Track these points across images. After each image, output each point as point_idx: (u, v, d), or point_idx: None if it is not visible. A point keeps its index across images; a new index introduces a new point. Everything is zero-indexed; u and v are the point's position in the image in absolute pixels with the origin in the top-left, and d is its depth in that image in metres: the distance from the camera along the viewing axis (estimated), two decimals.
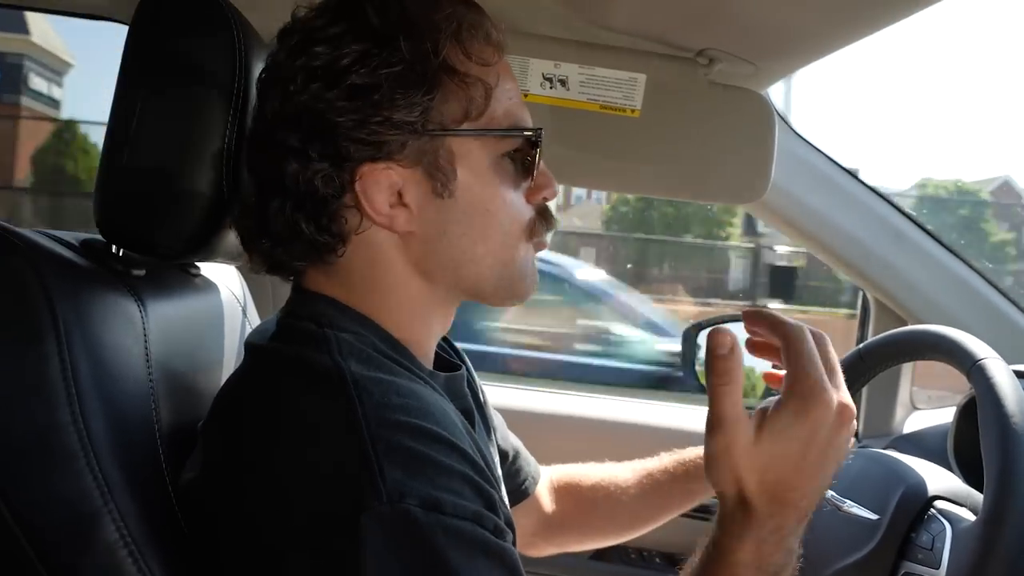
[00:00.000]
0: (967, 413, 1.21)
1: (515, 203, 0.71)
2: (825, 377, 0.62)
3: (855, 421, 0.63)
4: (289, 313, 0.71)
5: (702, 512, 1.39)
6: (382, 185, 0.66)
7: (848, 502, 0.92)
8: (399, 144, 0.65)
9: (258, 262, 0.72)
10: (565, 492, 1.05)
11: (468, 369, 0.87)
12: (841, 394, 0.62)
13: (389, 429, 0.58)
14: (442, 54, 0.66)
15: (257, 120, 0.70)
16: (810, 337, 0.63)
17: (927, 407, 1.50)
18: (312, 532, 0.56)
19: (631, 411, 1.50)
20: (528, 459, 1.01)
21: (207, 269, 0.90)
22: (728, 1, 0.92)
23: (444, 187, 0.67)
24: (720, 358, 0.62)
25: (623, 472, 1.05)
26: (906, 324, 1.40)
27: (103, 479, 0.58)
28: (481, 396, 0.90)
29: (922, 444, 1.33)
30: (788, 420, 0.61)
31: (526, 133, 0.71)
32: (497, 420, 0.97)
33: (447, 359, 0.81)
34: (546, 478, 1.05)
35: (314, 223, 0.66)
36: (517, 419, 1.41)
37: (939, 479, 0.89)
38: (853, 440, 0.71)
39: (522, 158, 0.71)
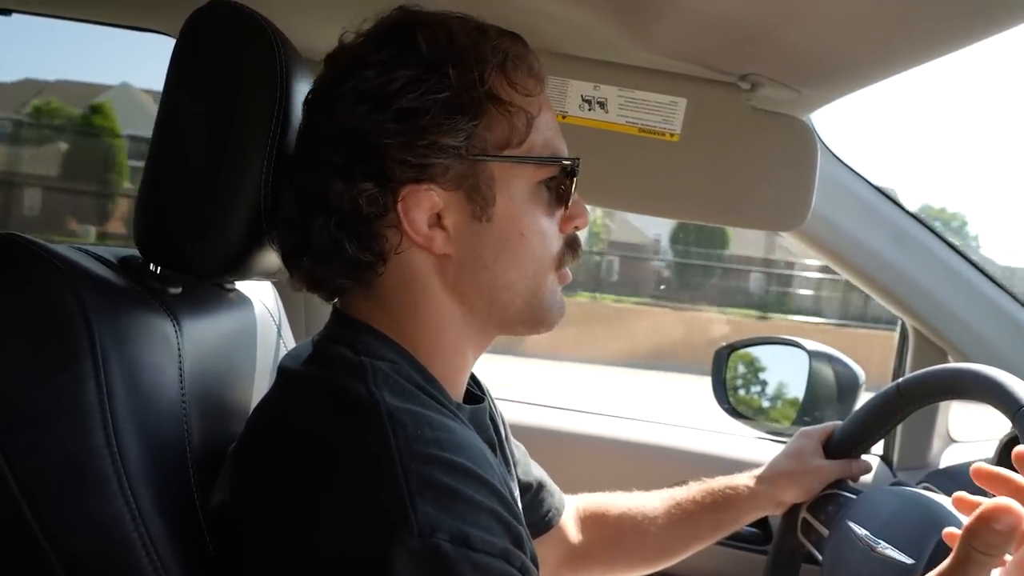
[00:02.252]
0: (1009, 450, 1.18)
1: (548, 231, 0.73)
2: (991, 559, 0.60)
3: None
4: (325, 338, 0.72)
5: (731, 542, 1.38)
6: (423, 206, 0.67)
7: (882, 543, 0.90)
8: (443, 167, 0.67)
9: (298, 279, 0.72)
10: (591, 522, 1.04)
11: (491, 401, 0.87)
12: None
13: (421, 462, 0.58)
14: (488, 83, 0.68)
15: (303, 139, 0.71)
16: (1005, 518, 0.59)
17: (966, 440, 1.46)
18: (341, 563, 0.56)
19: (660, 434, 1.48)
20: (552, 490, 1.00)
21: (242, 284, 0.90)
22: (774, 27, 0.90)
23: (483, 211, 0.69)
24: (993, 531, 0.59)
25: (651, 501, 1.03)
26: (946, 356, 1.37)
27: (135, 503, 0.59)
28: (503, 430, 0.90)
29: (960, 480, 1.29)
30: None
31: (564, 162, 0.72)
32: (519, 453, 0.96)
33: (471, 391, 0.81)
34: (572, 508, 1.04)
35: (356, 241, 0.67)
36: (542, 439, 1.41)
37: None
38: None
39: (558, 187, 0.72)
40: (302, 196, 0.70)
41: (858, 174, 1.31)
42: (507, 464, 0.87)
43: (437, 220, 0.68)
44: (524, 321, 0.74)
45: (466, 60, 0.67)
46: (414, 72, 0.66)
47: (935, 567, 0.83)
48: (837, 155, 1.28)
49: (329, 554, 0.56)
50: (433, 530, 0.55)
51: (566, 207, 0.73)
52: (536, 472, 0.99)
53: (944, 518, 0.88)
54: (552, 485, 1.01)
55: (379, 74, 0.66)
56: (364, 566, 0.55)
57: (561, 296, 0.76)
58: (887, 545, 0.89)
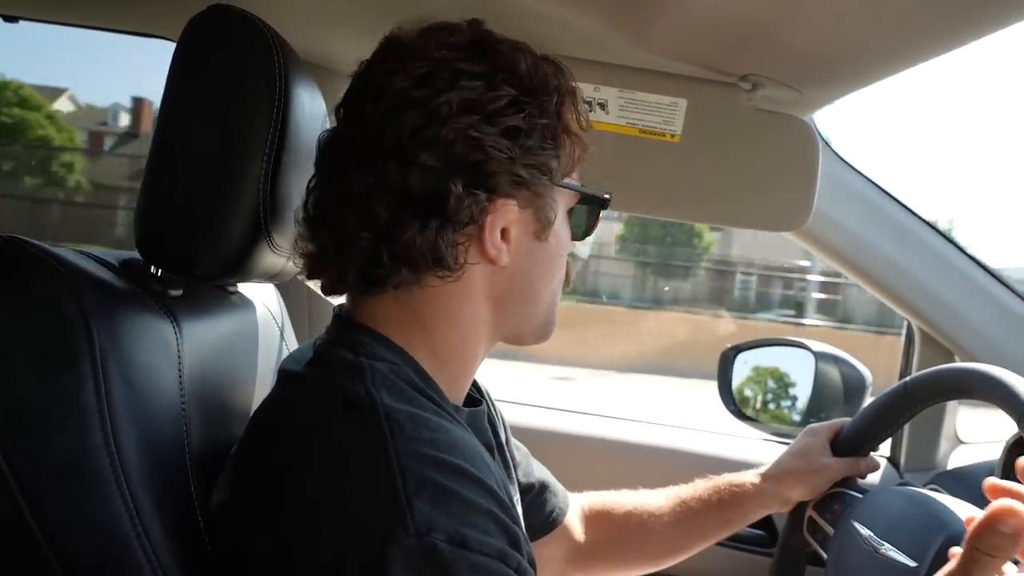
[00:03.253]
0: (1016, 452, 1.17)
1: (568, 251, 0.78)
2: (994, 561, 0.61)
3: None
4: (326, 340, 0.72)
5: (735, 544, 1.37)
6: (503, 220, 0.70)
7: (886, 545, 0.89)
8: (536, 187, 0.70)
9: (335, 281, 0.71)
10: (597, 520, 1.04)
11: (490, 404, 0.87)
12: None
13: (419, 463, 0.58)
14: (563, 115, 0.72)
15: (377, 135, 0.67)
16: (1011, 520, 0.60)
17: (974, 441, 1.45)
18: (339, 563, 0.56)
19: (665, 436, 1.48)
20: (556, 490, 1.00)
21: (245, 287, 0.91)
22: (774, 27, 0.90)
23: (543, 231, 0.73)
24: (998, 533, 0.60)
25: (656, 500, 1.03)
26: (952, 356, 1.36)
27: (132, 503, 0.59)
28: (503, 433, 0.90)
29: (967, 481, 1.29)
30: None
31: (605, 196, 0.79)
32: (520, 454, 0.96)
33: (469, 394, 0.81)
34: (577, 506, 1.04)
35: (450, 245, 0.67)
36: (547, 440, 1.41)
37: None
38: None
39: (589, 212, 0.79)
40: (384, 192, 0.66)
41: (861, 173, 1.30)
42: (507, 467, 0.87)
43: (503, 234, 0.70)
44: (533, 332, 0.78)
45: (552, 90, 0.71)
46: (516, 93, 0.68)
47: (937, 570, 0.83)
48: (840, 154, 1.28)
49: (327, 554, 0.56)
50: (430, 530, 0.55)
51: (589, 231, 0.80)
52: (538, 473, 0.99)
53: (948, 521, 0.87)
54: (556, 485, 1.01)
55: (485, 88, 0.67)
56: (361, 566, 0.55)
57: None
58: (891, 547, 0.89)
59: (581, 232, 0.79)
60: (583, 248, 0.86)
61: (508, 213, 0.69)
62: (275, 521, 0.60)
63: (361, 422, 0.61)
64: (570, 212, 0.77)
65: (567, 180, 0.75)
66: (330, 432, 0.62)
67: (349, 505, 0.57)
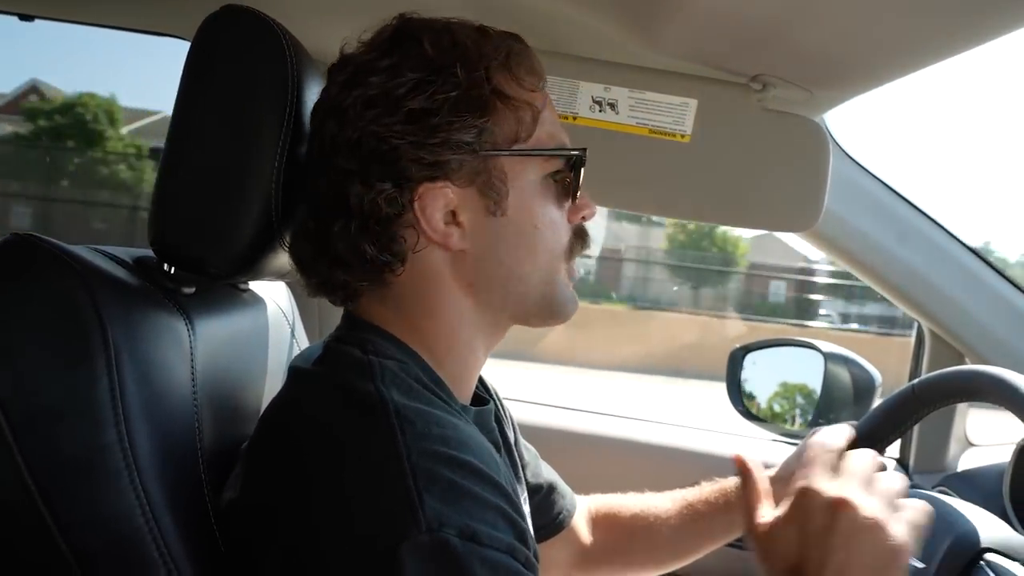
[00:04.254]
0: None
1: (558, 222, 0.74)
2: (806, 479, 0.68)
3: (857, 504, 0.65)
4: (336, 339, 0.73)
5: (742, 543, 1.37)
6: (439, 203, 0.69)
7: None
8: (457, 163, 0.69)
9: (315, 286, 0.74)
10: (603, 523, 1.04)
11: (499, 404, 0.88)
12: (838, 488, 0.66)
13: (429, 459, 0.59)
14: (493, 80, 0.70)
15: (314, 148, 0.72)
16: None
17: (983, 444, 1.45)
18: (352, 558, 0.56)
19: (673, 436, 1.48)
20: (564, 492, 1.00)
21: (256, 285, 0.91)
22: (785, 27, 0.90)
23: (497, 205, 0.70)
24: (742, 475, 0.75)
25: (663, 502, 1.03)
26: (963, 358, 1.36)
27: (146, 499, 0.60)
28: (511, 433, 0.90)
29: (977, 483, 1.28)
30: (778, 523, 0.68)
31: (573, 153, 0.74)
32: (529, 455, 0.97)
33: (477, 393, 0.82)
34: (583, 509, 1.04)
35: (376, 243, 0.68)
36: (554, 439, 1.41)
37: (991, 529, 0.86)
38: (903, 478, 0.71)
39: (564, 179, 0.74)
40: (318, 203, 0.71)
41: (872, 174, 1.30)
42: (515, 466, 0.88)
43: (452, 217, 0.70)
44: (538, 313, 0.75)
45: (471, 59, 0.69)
46: (421, 74, 0.68)
47: (946, 572, 0.82)
48: (851, 155, 1.28)
49: (339, 550, 0.57)
50: (441, 525, 0.55)
51: (574, 198, 0.75)
52: (547, 474, 0.99)
53: (956, 523, 0.87)
54: (564, 487, 1.01)
55: (386, 79, 0.68)
56: (374, 561, 0.55)
57: (573, 290, 0.77)
58: None
59: (567, 197, 0.75)
60: (594, 244, 0.83)
61: (439, 196, 0.68)
62: (285, 519, 0.61)
63: (371, 420, 0.61)
64: (555, 176, 0.73)
65: (518, 146, 0.71)
66: (340, 430, 0.62)
67: (361, 502, 0.58)
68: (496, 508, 0.60)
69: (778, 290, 15.71)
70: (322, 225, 0.70)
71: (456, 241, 0.70)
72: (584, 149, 0.75)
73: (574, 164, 0.74)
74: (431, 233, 0.69)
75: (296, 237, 0.74)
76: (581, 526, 1.02)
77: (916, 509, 0.67)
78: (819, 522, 0.65)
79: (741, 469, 0.76)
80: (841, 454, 0.72)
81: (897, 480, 0.69)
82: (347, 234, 0.68)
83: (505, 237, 0.71)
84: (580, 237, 0.77)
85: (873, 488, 0.67)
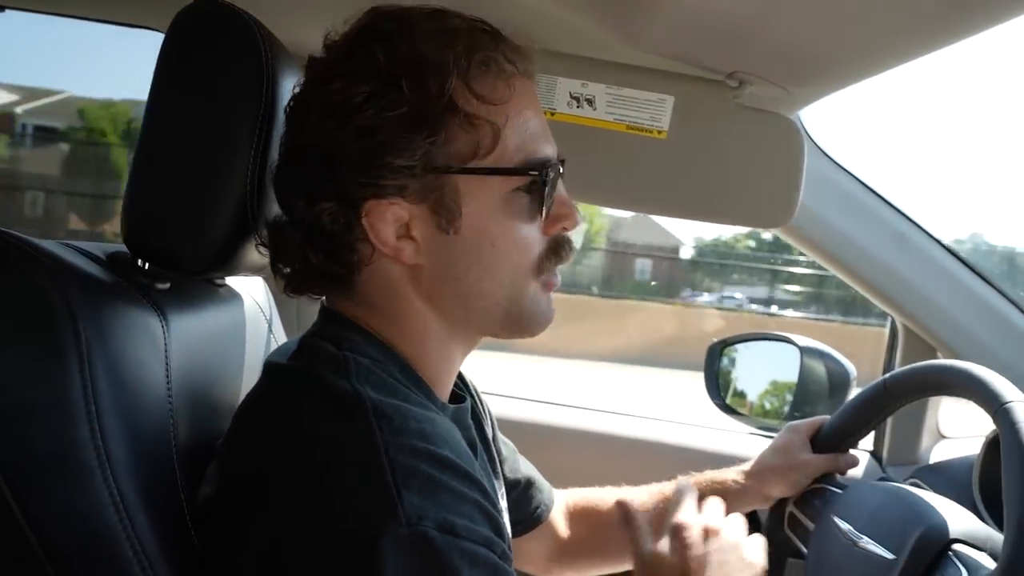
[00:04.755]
0: (994, 447, 1.18)
1: (527, 238, 0.70)
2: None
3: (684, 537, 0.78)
4: (312, 333, 0.72)
5: None
6: (388, 219, 0.67)
7: (865, 538, 0.90)
8: (398, 187, 0.66)
9: (281, 284, 0.73)
10: (581, 517, 1.05)
11: (477, 400, 0.88)
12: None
13: (406, 455, 0.59)
14: (447, 94, 0.65)
15: (281, 149, 0.71)
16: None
17: (955, 436, 1.47)
18: (332, 554, 0.57)
19: (651, 429, 1.49)
20: (541, 486, 1.01)
21: (233, 280, 0.91)
22: (761, 25, 0.91)
23: (449, 224, 0.68)
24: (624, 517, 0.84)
25: (639, 496, 1.04)
26: (936, 352, 1.38)
27: (119, 496, 0.59)
28: (488, 429, 0.90)
29: (948, 475, 1.31)
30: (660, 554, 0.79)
31: (531, 173, 0.69)
32: (507, 450, 0.97)
33: (454, 390, 0.82)
34: (561, 503, 1.05)
35: (323, 254, 0.68)
36: (532, 433, 1.42)
37: (960, 520, 0.87)
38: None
39: (534, 192, 0.70)
40: (279, 206, 0.71)
41: (847, 171, 1.31)
42: (492, 462, 0.88)
43: (406, 231, 0.68)
44: (505, 328, 0.73)
45: (424, 71, 0.65)
46: (372, 87, 0.65)
47: (915, 563, 0.84)
48: (826, 152, 1.29)
49: (319, 547, 0.57)
50: (420, 519, 0.56)
51: (543, 214, 0.70)
52: (525, 468, 0.99)
53: (926, 515, 0.89)
54: (541, 481, 1.01)
55: (343, 87, 0.65)
56: (354, 556, 0.56)
57: (547, 302, 0.74)
58: (869, 540, 0.90)
59: (534, 208, 0.70)
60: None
61: (388, 213, 0.66)
62: (264, 515, 0.61)
63: (348, 416, 0.61)
64: (526, 190, 0.69)
65: (475, 163, 0.67)
66: (316, 425, 0.62)
67: (339, 497, 0.58)
68: (473, 502, 0.60)
69: (644, 267, 15.84)
70: (275, 229, 0.70)
71: (409, 255, 0.68)
72: (561, 161, 0.71)
73: (542, 179, 0.69)
74: (381, 247, 0.67)
75: (266, 234, 0.73)
76: (559, 520, 1.03)
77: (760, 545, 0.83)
78: (696, 551, 0.76)
79: (623, 511, 0.84)
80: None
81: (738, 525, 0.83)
82: (294, 243, 0.68)
83: (460, 254, 0.68)
84: (556, 249, 0.73)
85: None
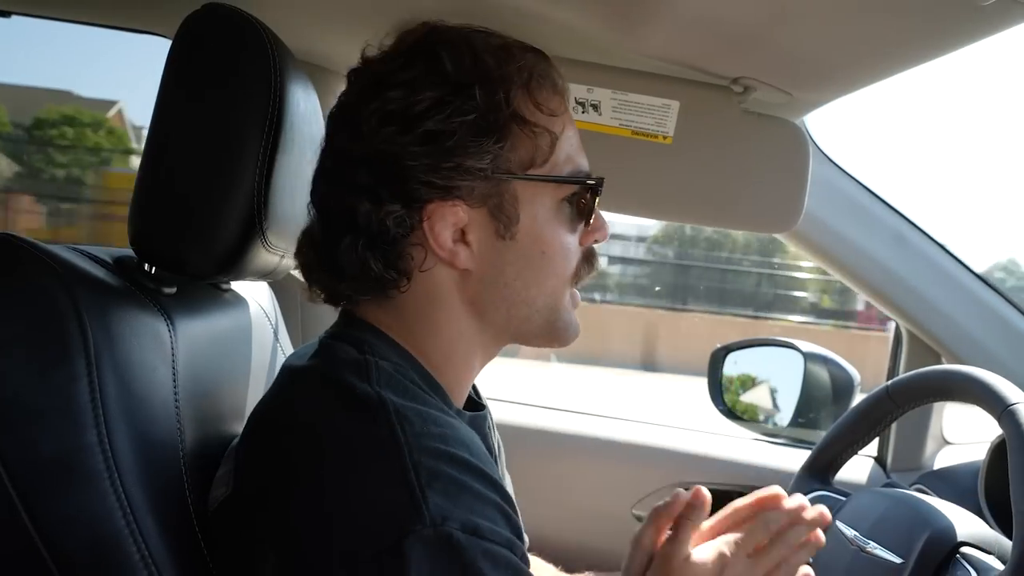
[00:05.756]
0: (1000, 452, 1.18)
1: (570, 247, 0.74)
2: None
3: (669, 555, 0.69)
4: (332, 335, 0.72)
5: None
6: (448, 221, 0.68)
7: (872, 543, 0.90)
8: (468, 188, 0.68)
9: (317, 293, 0.73)
10: None
11: (490, 419, 0.87)
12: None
13: (429, 456, 0.59)
14: (513, 104, 0.69)
15: (327, 157, 0.72)
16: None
17: (959, 442, 1.47)
18: (356, 555, 0.57)
19: (653, 435, 1.49)
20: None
21: (238, 284, 0.91)
22: (766, 30, 0.91)
23: (507, 229, 0.70)
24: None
25: None
26: (939, 357, 1.38)
27: (126, 500, 0.59)
28: (496, 448, 0.90)
29: (953, 481, 1.30)
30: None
31: (589, 182, 0.73)
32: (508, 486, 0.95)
33: (473, 399, 0.82)
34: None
35: (383, 260, 0.68)
36: (534, 439, 1.42)
37: (967, 524, 0.87)
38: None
39: (579, 202, 0.73)
40: (327, 213, 0.71)
41: (852, 176, 1.31)
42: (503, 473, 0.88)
43: (461, 236, 0.69)
44: (539, 336, 0.75)
45: (491, 81, 0.68)
46: (440, 93, 0.67)
47: (923, 566, 0.84)
48: (831, 157, 1.29)
49: (342, 547, 0.57)
50: (445, 519, 0.56)
51: (588, 222, 0.74)
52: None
53: (932, 518, 0.89)
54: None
55: (405, 95, 0.67)
56: (379, 557, 0.56)
57: (576, 317, 0.77)
58: (876, 545, 0.90)
59: (581, 221, 0.74)
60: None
61: (450, 216, 0.68)
62: (286, 516, 0.61)
63: (371, 419, 0.61)
64: (570, 201, 0.72)
65: (533, 171, 0.70)
66: (338, 427, 0.62)
67: (363, 498, 0.58)
68: (494, 504, 0.61)
69: None
70: (329, 236, 0.69)
71: (463, 260, 0.69)
72: (602, 178, 0.74)
73: (591, 188, 0.73)
74: (439, 251, 0.68)
75: (302, 242, 0.73)
76: None
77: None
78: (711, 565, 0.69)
79: (654, 512, 0.74)
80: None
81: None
82: (354, 250, 0.68)
83: (512, 261, 0.70)
84: (589, 260, 0.76)
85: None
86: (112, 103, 16.74)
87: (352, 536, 0.57)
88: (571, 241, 0.73)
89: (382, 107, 0.67)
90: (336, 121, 0.71)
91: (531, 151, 0.70)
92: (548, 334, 0.75)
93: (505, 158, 0.68)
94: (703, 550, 0.70)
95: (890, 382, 1.05)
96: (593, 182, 0.73)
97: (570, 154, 0.73)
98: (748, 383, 1.61)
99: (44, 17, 1.28)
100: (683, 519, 0.71)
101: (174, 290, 0.74)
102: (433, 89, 0.67)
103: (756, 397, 1.61)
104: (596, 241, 0.77)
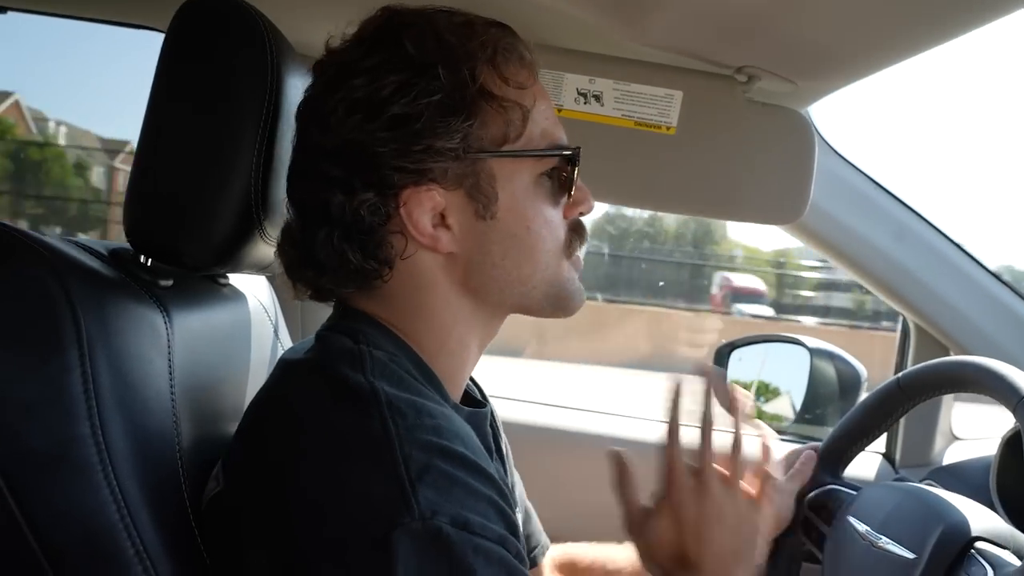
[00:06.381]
0: (1012, 447, 1.17)
1: (554, 220, 0.72)
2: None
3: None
4: (328, 327, 0.72)
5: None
6: (425, 207, 0.67)
7: (884, 538, 0.89)
8: (441, 170, 0.67)
9: (302, 289, 0.72)
10: (564, 570, 1.02)
11: (493, 412, 0.86)
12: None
13: (421, 449, 0.58)
14: (479, 80, 0.67)
15: (298, 151, 0.71)
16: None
17: (969, 437, 1.45)
18: (345, 547, 0.56)
19: (656, 432, 1.47)
20: (538, 525, 0.99)
21: (236, 278, 0.90)
22: (769, 18, 0.90)
23: (486, 209, 0.69)
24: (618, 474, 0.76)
25: (619, 553, 1.01)
26: (947, 350, 1.36)
27: (120, 493, 0.58)
28: (504, 448, 0.89)
29: (963, 477, 1.29)
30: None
31: (564, 153, 0.72)
32: (516, 477, 0.94)
33: (474, 397, 0.81)
34: (549, 552, 1.02)
35: (361, 251, 0.67)
36: (536, 436, 1.40)
37: (982, 518, 0.86)
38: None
39: (559, 176, 0.72)
40: (302, 209, 0.70)
41: (857, 168, 1.30)
42: (508, 473, 0.86)
43: (441, 219, 0.68)
44: (546, 308, 0.74)
45: (455, 58, 0.67)
46: (403, 76, 0.65)
47: (937, 562, 0.82)
48: (836, 148, 1.27)
49: (331, 539, 0.56)
50: (434, 513, 0.55)
51: (569, 194, 0.73)
52: (527, 504, 0.97)
53: (945, 512, 0.87)
54: (538, 523, 0.99)
55: (368, 81, 0.66)
56: (367, 549, 0.55)
57: (579, 284, 0.76)
58: (888, 540, 0.88)
59: (563, 194, 0.73)
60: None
61: (426, 200, 0.67)
62: (276, 508, 0.60)
63: (363, 410, 0.60)
64: (549, 175, 0.71)
65: (507, 147, 0.69)
66: (331, 420, 0.62)
67: (353, 491, 0.57)
68: (488, 499, 0.59)
69: None
70: (306, 232, 0.69)
71: (446, 244, 0.68)
72: (578, 148, 0.73)
73: (569, 160, 0.72)
74: (419, 236, 0.67)
75: (282, 239, 0.72)
76: (546, 570, 1.00)
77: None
78: (690, 511, 0.71)
79: (617, 467, 0.76)
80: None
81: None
82: (330, 242, 0.67)
83: (497, 240, 0.69)
84: (577, 231, 0.75)
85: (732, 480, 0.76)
86: (8, 94, 16.45)
87: (341, 527, 0.56)
88: (554, 215, 0.72)
89: (347, 96, 0.66)
90: (304, 115, 0.70)
91: (503, 127, 0.69)
92: (552, 306, 0.74)
93: (476, 136, 0.67)
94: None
95: (901, 374, 1.03)
96: (569, 152, 0.72)
97: (545, 128, 0.72)
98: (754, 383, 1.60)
99: (37, 12, 1.27)
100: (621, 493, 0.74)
101: (171, 283, 0.73)
102: (397, 73, 0.65)
103: (761, 394, 1.59)
104: (582, 214, 0.75)
